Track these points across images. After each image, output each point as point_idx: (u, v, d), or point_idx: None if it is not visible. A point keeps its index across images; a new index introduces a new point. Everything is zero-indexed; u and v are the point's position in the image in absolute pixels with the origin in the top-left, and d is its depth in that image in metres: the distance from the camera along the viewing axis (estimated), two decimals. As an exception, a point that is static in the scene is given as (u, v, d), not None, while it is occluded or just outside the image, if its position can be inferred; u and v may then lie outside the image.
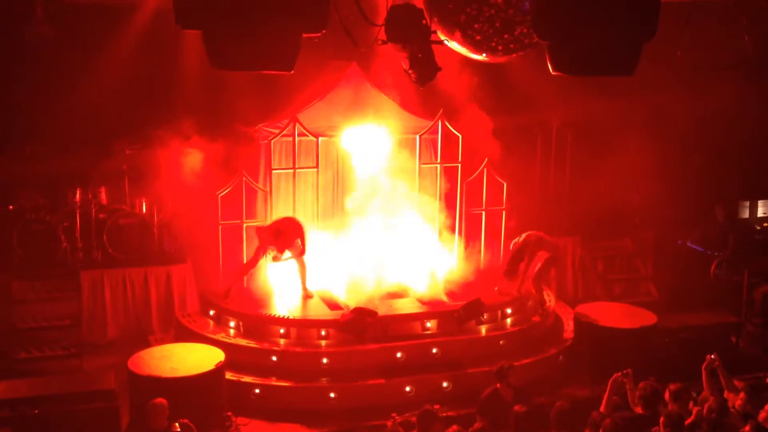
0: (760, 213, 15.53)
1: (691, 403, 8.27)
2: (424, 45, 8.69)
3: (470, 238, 12.88)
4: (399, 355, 10.78)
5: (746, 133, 14.79)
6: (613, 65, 6.89)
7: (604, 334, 11.37)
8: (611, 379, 8.50)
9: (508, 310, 11.72)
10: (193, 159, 11.87)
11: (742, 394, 8.33)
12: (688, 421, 7.74)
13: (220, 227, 11.81)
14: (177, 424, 8.04)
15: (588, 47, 6.64)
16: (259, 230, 11.66)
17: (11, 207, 12.30)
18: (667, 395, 8.32)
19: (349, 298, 11.55)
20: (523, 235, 12.12)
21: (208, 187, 11.89)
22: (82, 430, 9.10)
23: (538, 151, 15.22)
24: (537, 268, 12.08)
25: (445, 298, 11.70)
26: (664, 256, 14.89)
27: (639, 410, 8.29)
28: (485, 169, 12.73)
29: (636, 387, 8.38)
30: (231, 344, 10.72)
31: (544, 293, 12.49)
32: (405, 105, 12.71)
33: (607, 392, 8.46)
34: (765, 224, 15.06)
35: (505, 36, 8.02)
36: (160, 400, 8.32)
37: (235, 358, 10.36)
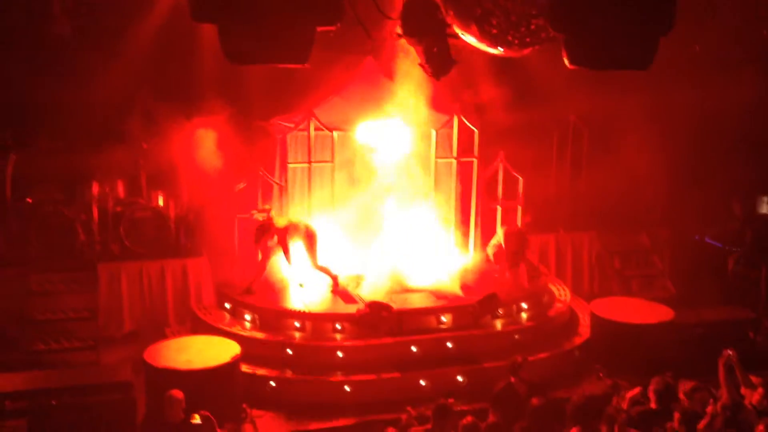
0: (777, 208, 15.44)
1: (711, 401, 8.22)
2: (440, 39, 8.67)
3: (486, 232, 12.86)
4: (414, 349, 10.77)
5: (764, 127, 14.66)
6: (629, 59, 6.83)
7: (620, 329, 11.33)
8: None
9: (524, 305, 11.70)
10: (209, 153, 11.91)
11: (760, 390, 8.29)
12: (704, 422, 7.71)
13: (236, 221, 11.84)
14: (197, 416, 8.07)
15: (604, 41, 6.60)
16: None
17: (29, 201, 12.39)
18: (681, 393, 8.30)
19: (364, 292, 11.55)
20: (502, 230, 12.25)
21: (224, 181, 11.93)
22: (98, 421, 9.16)
23: (554, 146, 15.16)
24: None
25: (460, 293, 11.68)
26: (681, 251, 14.82)
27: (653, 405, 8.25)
28: (501, 164, 12.69)
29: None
30: (247, 337, 10.75)
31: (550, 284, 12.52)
32: (421, 99, 12.67)
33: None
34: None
35: (522, 29, 7.97)
36: (176, 392, 8.37)
37: (250, 351, 10.39)
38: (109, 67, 12.47)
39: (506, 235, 12.25)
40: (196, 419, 8.13)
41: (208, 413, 8.07)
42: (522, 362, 9.21)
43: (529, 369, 9.34)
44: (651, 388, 8.40)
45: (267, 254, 11.63)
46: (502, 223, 12.53)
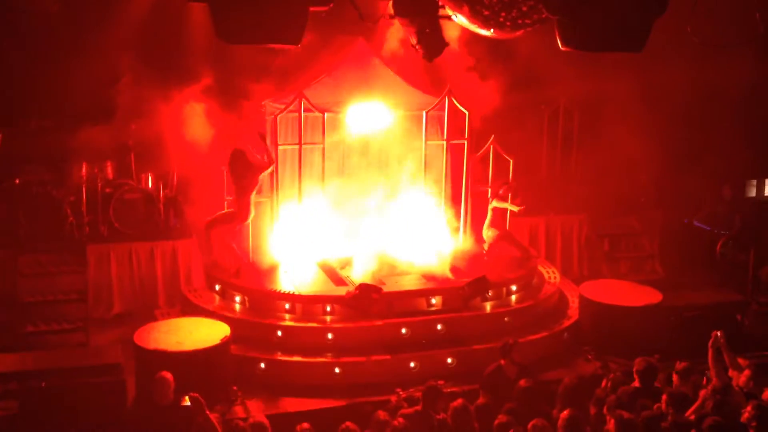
0: (767, 192, 15.48)
1: (705, 383, 8.30)
2: (432, 20, 8.63)
3: (476, 215, 12.86)
4: (404, 331, 10.79)
5: (755, 111, 14.71)
6: (622, 41, 6.84)
7: (609, 311, 11.38)
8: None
9: (513, 287, 11.72)
10: (199, 134, 11.85)
11: (746, 372, 8.36)
12: (695, 405, 7.77)
13: (225, 202, 11.80)
14: (186, 398, 8.07)
15: (598, 23, 6.60)
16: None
17: (17, 181, 12.32)
18: (674, 373, 8.36)
19: (354, 273, 11.55)
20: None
21: (213, 162, 11.88)
22: (88, 403, 9.14)
23: (545, 128, 15.17)
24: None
25: (450, 275, 11.69)
26: (671, 234, 14.88)
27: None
28: (492, 146, 12.68)
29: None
30: (237, 319, 10.74)
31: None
32: (412, 81, 12.64)
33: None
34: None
35: (514, 11, 7.94)
36: (166, 374, 8.37)
37: (240, 332, 10.39)
38: (98, 45, 12.36)
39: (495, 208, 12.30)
40: (186, 401, 8.12)
41: (197, 395, 8.08)
42: (512, 344, 9.25)
43: (519, 351, 9.37)
44: (634, 369, 8.47)
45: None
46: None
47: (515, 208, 12.25)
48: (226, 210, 11.65)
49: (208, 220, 11.64)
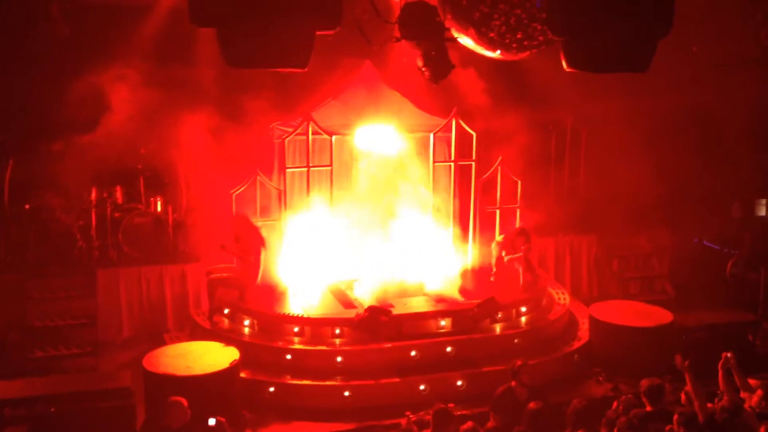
0: (776, 211, 15.44)
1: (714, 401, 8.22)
2: (438, 42, 8.68)
3: (484, 236, 12.85)
4: (413, 353, 10.76)
5: (763, 129, 14.67)
6: (628, 62, 6.85)
7: (619, 332, 11.32)
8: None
9: (523, 309, 11.68)
10: (207, 158, 11.90)
11: (759, 392, 8.27)
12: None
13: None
14: (212, 419, 8.07)
15: (603, 44, 6.61)
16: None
17: (27, 206, 12.37)
18: (683, 396, 8.29)
19: (363, 296, 11.54)
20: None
21: (222, 186, 11.91)
22: (97, 428, 9.12)
23: (552, 149, 15.17)
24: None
25: (459, 297, 11.67)
26: (680, 254, 14.81)
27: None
28: (500, 167, 12.69)
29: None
30: (246, 342, 10.73)
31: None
32: (419, 103, 12.69)
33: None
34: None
35: (519, 33, 7.98)
36: (179, 399, 8.34)
37: (249, 356, 10.37)
38: (108, 70, 12.42)
39: (505, 240, 12.29)
40: (211, 422, 8.11)
41: (223, 419, 8.08)
42: (522, 366, 9.18)
43: (528, 373, 9.31)
44: (641, 391, 8.41)
45: (257, 258, 11.54)
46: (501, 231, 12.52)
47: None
48: (232, 270, 11.57)
49: (214, 278, 11.52)
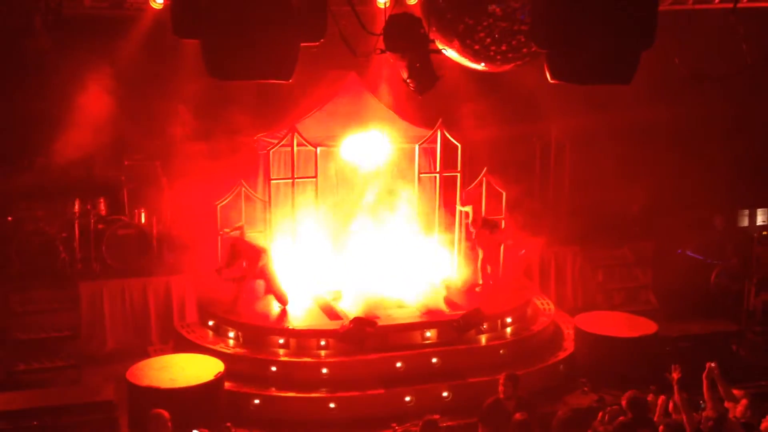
0: (759, 221, 15.53)
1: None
2: (423, 54, 8.70)
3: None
4: (399, 365, 10.74)
5: (744, 141, 14.79)
6: (611, 74, 6.87)
7: (604, 343, 11.35)
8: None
9: (508, 320, 11.69)
10: (191, 169, 11.87)
11: (743, 401, 8.31)
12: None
13: (219, 237, 11.78)
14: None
15: (586, 56, 6.63)
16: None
17: (9, 218, 12.31)
18: (671, 405, 8.31)
19: (348, 307, 11.52)
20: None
21: (207, 198, 11.88)
22: (80, 441, 9.08)
23: (537, 160, 15.23)
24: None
25: (444, 308, 11.67)
26: (664, 264, 14.88)
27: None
28: (484, 179, 12.73)
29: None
30: (230, 354, 10.68)
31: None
32: (404, 114, 12.71)
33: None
34: (764, 232, 15.05)
35: (503, 45, 8.01)
36: (162, 411, 8.28)
37: (234, 368, 10.32)
38: (90, 82, 12.40)
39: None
40: None
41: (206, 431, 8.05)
42: (512, 377, 9.12)
43: (517, 384, 9.29)
44: (623, 402, 8.42)
45: (245, 272, 11.51)
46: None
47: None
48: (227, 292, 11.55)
49: (229, 236, 11.50)
